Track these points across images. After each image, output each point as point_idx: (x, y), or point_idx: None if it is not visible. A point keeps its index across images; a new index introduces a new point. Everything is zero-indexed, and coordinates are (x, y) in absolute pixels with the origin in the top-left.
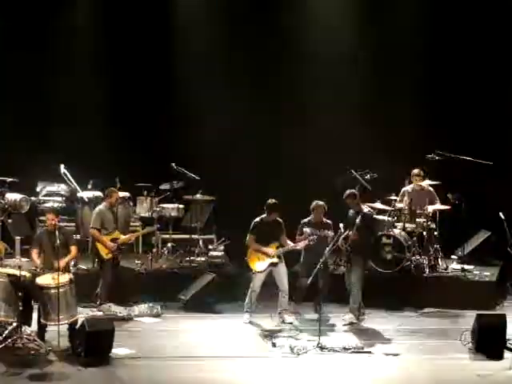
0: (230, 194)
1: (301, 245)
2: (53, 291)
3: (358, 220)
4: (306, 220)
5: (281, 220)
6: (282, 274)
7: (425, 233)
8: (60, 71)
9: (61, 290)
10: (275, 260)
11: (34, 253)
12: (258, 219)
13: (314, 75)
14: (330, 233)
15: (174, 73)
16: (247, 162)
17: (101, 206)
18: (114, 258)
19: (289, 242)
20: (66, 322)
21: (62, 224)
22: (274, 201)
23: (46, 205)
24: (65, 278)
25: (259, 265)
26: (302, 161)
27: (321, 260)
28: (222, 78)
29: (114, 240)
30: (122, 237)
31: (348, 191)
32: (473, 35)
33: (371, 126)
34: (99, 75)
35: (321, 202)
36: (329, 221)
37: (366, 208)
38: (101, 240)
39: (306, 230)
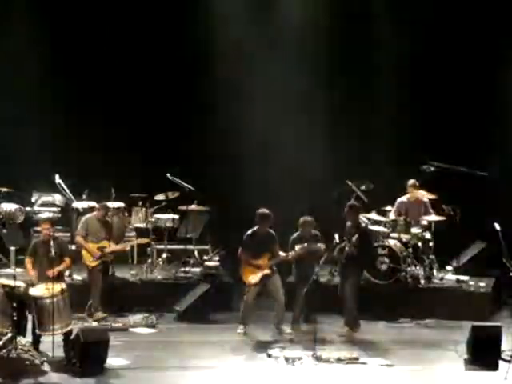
0: (225, 205)
1: (291, 254)
2: (46, 301)
3: (354, 238)
4: (295, 236)
5: (273, 232)
6: (277, 285)
7: (420, 243)
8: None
9: (54, 300)
10: (268, 272)
11: (29, 262)
12: (249, 232)
13: None
14: (321, 245)
15: (174, 83)
16: (243, 172)
17: (89, 215)
18: (104, 266)
19: (280, 252)
20: (60, 332)
21: (57, 234)
22: (264, 210)
23: (41, 215)
24: (57, 288)
25: (252, 278)
26: (301, 172)
27: (315, 271)
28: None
29: (100, 248)
30: (112, 246)
31: (346, 205)
32: (468, 44)
33: (366, 137)
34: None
35: (309, 218)
36: (317, 232)
37: (362, 222)
38: (85, 246)
39: (298, 246)
